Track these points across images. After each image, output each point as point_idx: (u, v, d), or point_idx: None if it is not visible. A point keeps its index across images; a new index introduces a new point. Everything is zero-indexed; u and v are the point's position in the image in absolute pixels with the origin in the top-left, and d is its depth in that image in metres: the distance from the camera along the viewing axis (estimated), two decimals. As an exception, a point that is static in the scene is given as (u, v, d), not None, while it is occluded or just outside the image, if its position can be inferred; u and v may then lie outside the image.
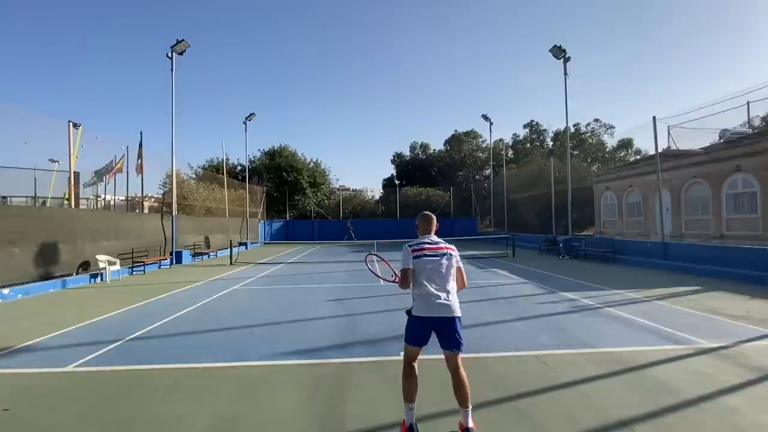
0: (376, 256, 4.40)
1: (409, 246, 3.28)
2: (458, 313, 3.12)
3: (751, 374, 4.24)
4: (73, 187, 13.99)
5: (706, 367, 4.48)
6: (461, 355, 3.14)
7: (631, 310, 7.35)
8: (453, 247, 3.34)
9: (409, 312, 3.24)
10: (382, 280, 3.57)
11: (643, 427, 3.18)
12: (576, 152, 40.73)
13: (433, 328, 3.13)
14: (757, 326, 6.13)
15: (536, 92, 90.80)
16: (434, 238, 3.37)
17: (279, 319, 7.17)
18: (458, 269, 3.29)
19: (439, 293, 3.08)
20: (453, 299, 3.13)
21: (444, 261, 3.20)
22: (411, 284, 3.19)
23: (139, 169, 17.83)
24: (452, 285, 3.19)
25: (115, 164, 17.35)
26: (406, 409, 3.10)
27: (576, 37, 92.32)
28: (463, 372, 3.10)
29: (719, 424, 3.20)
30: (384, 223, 35.94)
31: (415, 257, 3.19)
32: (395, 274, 3.54)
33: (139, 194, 19.99)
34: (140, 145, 17.73)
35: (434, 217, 3.52)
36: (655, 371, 4.38)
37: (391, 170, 53.38)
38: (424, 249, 3.22)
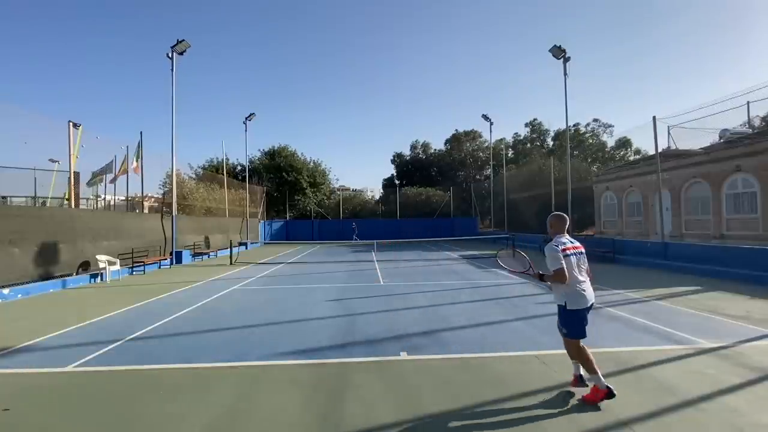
0: (515, 251, 4.57)
1: (556, 246, 3.66)
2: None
3: (751, 374, 4.24)
4: (73, 187, 13.98)
5: (706, 367, 4.48)
6: None
7: (631, 310, 7.35)
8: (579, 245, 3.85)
9: (564, 308, 3.68)
10: (515, 274, 4.09)
11: (643, 427, 3.18)
12: (576, 152, 40.72)
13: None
14: (757, 326, 6.13)
15: (537, 92, 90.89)
16: (568, 237, 3.83)
17: (279, 319, 7.17)
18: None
19: (587, 285, 3.70)
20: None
21: (583, 258, 3.76)
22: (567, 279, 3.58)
23: (136, 170, 17.81)
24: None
25: (120, 165, 17.36)
26: (596, 378, 3.53)
27: (576, 37, 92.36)
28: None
29: (719, 424, 3.20)
30: (384, 223, 35.95)
31: (565, 256, 3.60)
32: (531, 265, 4.01)
33: (139, 194, 20.00)
34: (139, 146, 17.71)
35: (567, 217, 3.94)
36: (655, 371, 4.39)
37: (391, 170, 53.53)
38: (568, 248, 3.67)
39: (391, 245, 25.96)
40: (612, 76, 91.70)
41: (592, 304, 3.69)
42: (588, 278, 3.75)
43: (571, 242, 3.75)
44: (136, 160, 17.67)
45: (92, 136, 15.31)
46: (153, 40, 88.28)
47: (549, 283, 3.73)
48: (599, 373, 3.52)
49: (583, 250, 3.81)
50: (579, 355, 3.66)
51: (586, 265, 3.81)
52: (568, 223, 3.85)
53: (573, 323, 3.66)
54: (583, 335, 3.66)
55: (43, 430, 3.34)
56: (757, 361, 4.64)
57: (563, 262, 3.55)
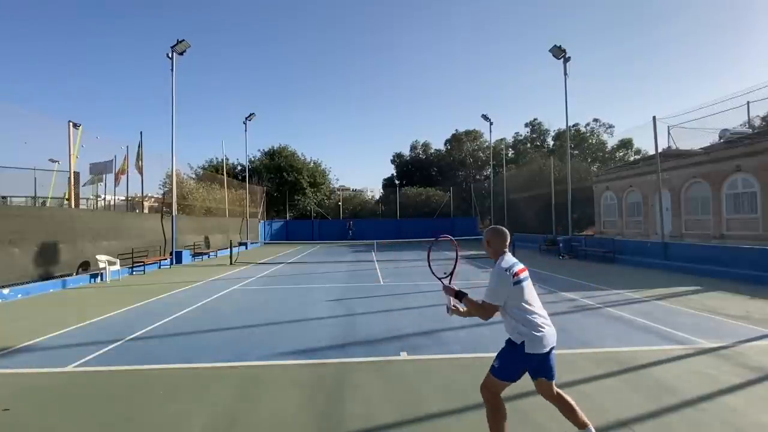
0: (451, 241, 3.67)
1: (506, 268, 2.69)
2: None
3: (751, 374, 4.24)
4: (73, 187, 13.99)
5: (706, 367, 4.48)
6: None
7: (631, 310, 7.35)
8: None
9: (512, 343, 2.72)
10: (439, 280, 3.16)
11: (643, 427, 3.18)
12: (576, 152, 40.73)
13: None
14: (757, 326, 6.13)
15: (537, 91, 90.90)
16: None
17: (279, 319, 7.17)
18: None
19: (549, 322, 2.75)
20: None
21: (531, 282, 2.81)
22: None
23: (139, 169, 17.82)
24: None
25: (121, 165, 17.36)
26: None
27: (576, 37, 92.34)
28: (565, 394, 2.88)
29: (719, 424, 3.20)
30: (384, 223, 35.97)
31: (516, 283, 2.67)
32: (455, 265, 3.15)
33: (139, 194, 20.01)
34: (139, 146, 17.70)
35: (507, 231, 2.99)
36: (655, 371, 4.38)
37: (391, 170, 53.51)
38: (520, 272, 2.72)
39: (391, 245, 25.96)
40: (612, 76, 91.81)
41: (551, 349, 2.74)
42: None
43: (518, 262, 2.80)
44: (137, 160, 17.67)
45: (92, 136, 15.34)
46: (153, 40, 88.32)
47: (462, 308, 2.93)
48: None
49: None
50: (490, 401, 2.81)
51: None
52: (509, 239, 2.91)
53: (512, 363, 2.73)
54: (514, 379, 2.74)
55: (43, 430, 3.34)
56: (757, 361, 4.64)
57: (504, 294, 2.66)
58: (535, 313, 2.67)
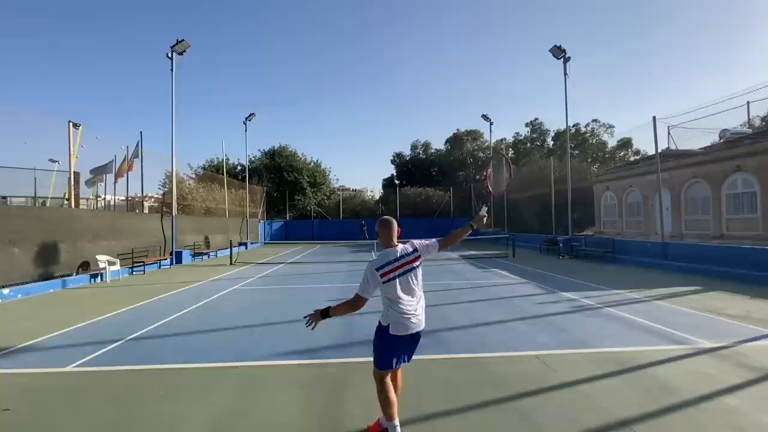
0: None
1: (375, 267, 2.93)
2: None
3: (751, 374, 4.24)
4: (73, 187, 13.98)
5: (706, 367, 4.48)
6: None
7: (631, 310, 7.35)
8: (412, 247, 3.03)
9: (380, 326, 3.03)
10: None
11: (643, 427, 3.18)
12: (576, 152, 40.74)
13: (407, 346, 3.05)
14: (757, 326, 6.13)
15: (538, 91, 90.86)
16: (399, 248, 3.00)
17: (279, 319, 7.17)
18: (427, 247, 3.05)
19: (415, 308, 2.96)
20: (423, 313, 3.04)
21: (414, 274, 2.98)
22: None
23: (131, 169, 17.76)
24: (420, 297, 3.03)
25: (120, 165, 17.35)
26: (391, 427, 2.92)
27: (576, 37, 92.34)
28: (400, 379, 3.32)
29: (719, 424, 3.20)
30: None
31: (386, 282, 2.92)
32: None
33: (139, 194, 20.01)
34: (137, 145, 17.66)
35: (394, 221, 3.10)
36: (655, 371, 4.38)
37: (391, 170, 53.46)
38: (393, 270, 2.92)
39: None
40: (612, 76, 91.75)
41: (417, 333, 2.98)
42: (418, 299, 2.99)
43: (401, 256, 2.94)
44: (133, 159, 17.58)
45: (92, 136, 15.34)
46: (153, 40, 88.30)
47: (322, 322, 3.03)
48: (396, 422, 2.91)
49: (417, 264, 2.98)
50: (380, 391, 2.96)
51: (432, 250, 3.06)
52: (396, 230, 3.04)
53: (382, 349, 2.98)
54: (390, 367, 2.96)
55: (43, 430, 3.34)
56: (757, 361, 4.64)
57: (372, 289, 2.92)
58: (403, 304, 2.91)
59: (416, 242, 3.05)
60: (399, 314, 2.91)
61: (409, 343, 3.02)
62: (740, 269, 10.71)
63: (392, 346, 2.96)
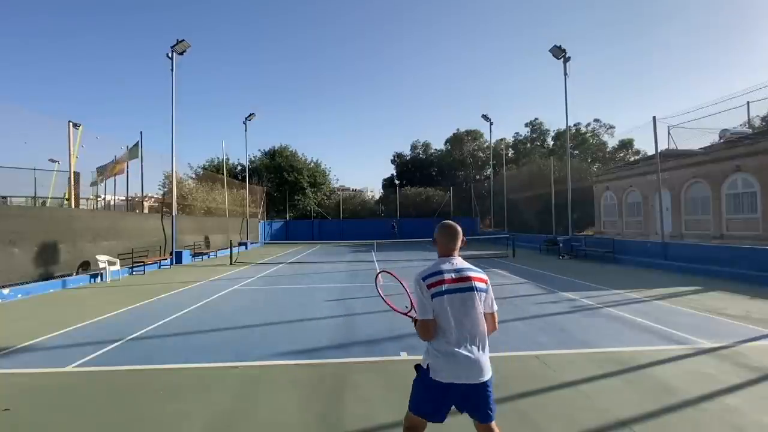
0: (390, 274, 2.97)
1: (423, 279, 2.25)
2: (488, 372, 2.22)
3: (751, 374, 4.24)
4: (73, 187, 14.00)
5: (706, 367, 4.48)
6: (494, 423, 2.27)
7: (631, 310, 7.35)
8: (485, 276, 2.33)
9: (418, 367, 2.31)
10: (395, 312, 2.66)
11: (643, 427, 3.18)
12: (576, 152, 40.76)
13: (455, 397, 2.23)
14: (757, 326, 6.13)
15: (538, 91, 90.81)
16: (458, 261, 2.34)
17: (279, 319, 7.18)
18: (488, 314, 2.30)
19: (467, 350, 2.17)
20: (484, 354, 2.23)
21: (472, 298, 2.23)
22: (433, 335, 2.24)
23: (122, 171, 17.69)
24: (482, 332, 2.24)
25: (113, 165, 17.31)
26: None
27: (576, 37, 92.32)
28: None
29: (719, 424, 3.20)
30: (384, 223, 35.98)
31: (434, 295, 2.21)
32: (412, 305, 2.50)
33: (139, 194, 20.01)
34: (136, 145, 17.62)
35: (459, 228, 2.43)
36: (655, 371, 4.38)
37: (391, 170, 53.52)
38: (442, 282, 2.22)
39: (390, 245, 25.96)
40: (612, 75, 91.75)
41: (467, 386, 2.16)
42: (477, 338, 2.20)
43: (456, 271, 2.26)
44: (125, 160, 17.44)
45: (92, 136, 15.35)
46: (153, 39, 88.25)
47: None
48: None
49: (484, 285, 2.28)
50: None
51: (489, 308, 2.29)
52: (459, 240, 2.39)
53: (419, 391, 2.29)
54: (428, 413, 2.27)
55: (43, 430, 3.34)
56: (757, 361, 4.64)
57: (429, 306, 2.21)
58: (451, 334, 2.18)
59: (489, 280, 2.35)
60: (442, 347, 2.19)
61: (450, 395, 2.20)
62: (740, 269, 10.71)
63: (431, 392, 2.22)
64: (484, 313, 2.27)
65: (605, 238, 18.38)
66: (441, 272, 2.25)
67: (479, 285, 2.25)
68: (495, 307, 2.32)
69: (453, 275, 2.24)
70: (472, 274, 2.27)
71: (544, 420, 3.31)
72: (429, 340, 2.24)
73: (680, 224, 21.01)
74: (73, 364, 4.86)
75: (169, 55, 17.79)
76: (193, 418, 3.44)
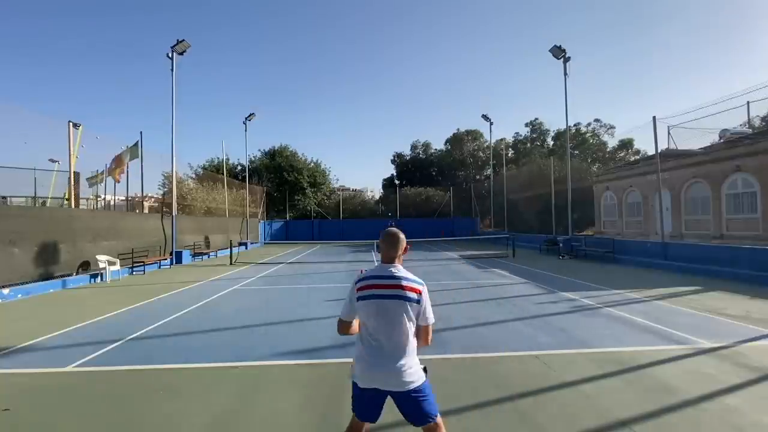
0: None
1: (357, 281, 2.31)
2: (412, 381, 2.17)
3: (751, 374, 4.24)
4: (73, 187, 14.00)
5: (706, 367, 4.48)
6: (439, 421, 2.30)
7: (631, 310, 7.35)
8: (419, 286, 2.24)
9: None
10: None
11: (643, 427, 3.18)
12: (576, 152, 40.76)
13: (381, 400, 2.25)
14: (757, 326, 6.13)
15: (538, 91, 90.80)
16: (396, 269, 2.28)
17: (279, 319, 7.18)
18: (421, 326, 2.25)
19: (380, 354, 2.17)
20: (405, 362, 2.17)
21: (400, 306, 2.17)
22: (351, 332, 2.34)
23: (118, 178, 17.65)
24: (404, 341, 2.19)
25: (115, 166, 17.31)
26: None
27: (576, 37, 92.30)
28: None
29: (719, 424, 3.20)
30: (384, 224, 35.98)
31: (360, 298, 2.23)
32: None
33: (139, 194, 20.01)
34: (136, 145, 17.61)
35: (401, 235, 2.39)
36: (655, 371, 4.38)
37: (391, 170, 53.55)
38: (370, 287, 2.23)
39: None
40: (612, 75, 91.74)
41: (392, 392, 2.18)
42: (396, 347, 2.17)
43: (390, 278, 2.22)
44: (125, 160, 17.42)
45: (92, 136, 15.36)
46: (153, 39, 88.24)
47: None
48: None
49: (415, 296, 2.19)
50: None
51: (423, 320, 2.24)
52: (401, 247, 2.34)
53: (353, 389, 2.31)
54: (357, 414, 2.32)
55: (43, 430, 3.34)
56: (757, 361, 4.64)
57: (350, 309, 2.29)
58: (369, 340, 2.20)
59: (425, 291, 2.27)
60: (359, 351, 2.24)
61: (374, 399, 2.21)
62: (740, 269, 10.71)
63: (355, 391, 2.27)
64: (418, 325, 2.24)
65: (605, 238, 18.38)
66: (374, 277, 2.26)
67: (410, 294, 2.19)
68: (430, 320, 2.26)
69: (385, 282, 2.22)
70: (405, 283, 2.21)
71: (544, 420, 3.31)
72: (344, 335, 2.37)
73: (680, 224, 21.01)
74: (73, 364, 4.86)
75: (169, 55, 17.79)
76: (193, 418, 3.44)
